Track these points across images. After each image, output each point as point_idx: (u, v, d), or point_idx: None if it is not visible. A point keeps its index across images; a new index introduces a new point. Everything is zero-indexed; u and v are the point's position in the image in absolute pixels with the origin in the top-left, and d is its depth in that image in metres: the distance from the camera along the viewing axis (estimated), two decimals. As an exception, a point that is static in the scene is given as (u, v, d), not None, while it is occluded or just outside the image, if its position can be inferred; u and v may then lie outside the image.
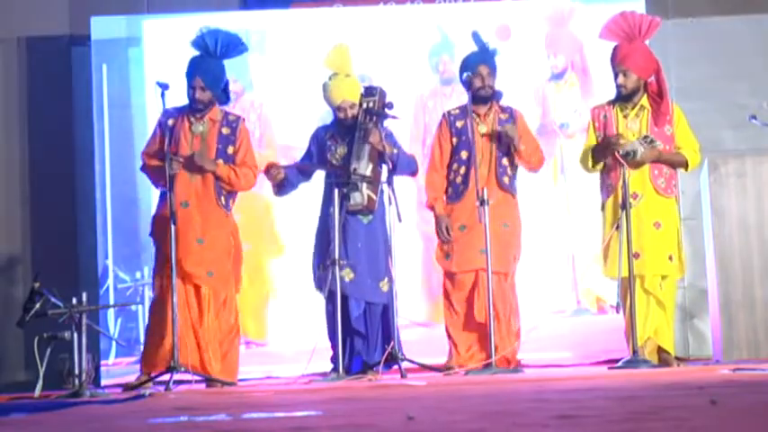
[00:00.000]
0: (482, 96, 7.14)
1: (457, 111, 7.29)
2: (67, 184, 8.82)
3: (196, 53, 7.01)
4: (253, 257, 8.25)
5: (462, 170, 7.16)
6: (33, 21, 9.01)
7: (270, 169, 7.15)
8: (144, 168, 7.09)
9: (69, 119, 8.85)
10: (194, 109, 6.95)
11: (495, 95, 7.19)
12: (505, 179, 7.13)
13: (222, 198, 6.96)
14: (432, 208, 7.24)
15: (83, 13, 8.76)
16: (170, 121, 6.98)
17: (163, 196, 6.97)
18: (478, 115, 7.18)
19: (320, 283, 7.04)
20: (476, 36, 7.23)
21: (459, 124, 7.21)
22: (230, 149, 6.99)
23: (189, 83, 6.95)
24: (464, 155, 7.16)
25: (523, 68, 8.52)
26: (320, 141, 7.20)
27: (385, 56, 8.51)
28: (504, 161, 7.15)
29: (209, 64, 6.97)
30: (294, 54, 8.56)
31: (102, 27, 8.59)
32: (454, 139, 7.21)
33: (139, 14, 8.72)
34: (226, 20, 8.69)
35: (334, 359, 6.98)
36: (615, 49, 7.01)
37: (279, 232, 8.50)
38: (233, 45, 7.08)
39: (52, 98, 8.90)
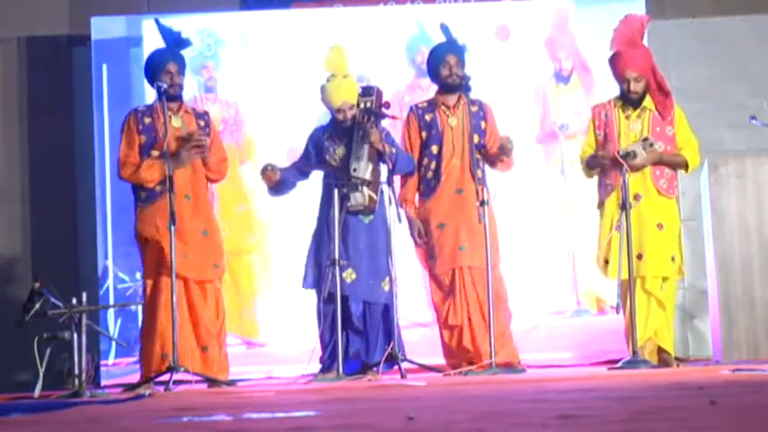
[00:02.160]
0: (449, 85, 7.09)
1: (425, 104, 7.26)
2: (67, 184, 8.82)
3: (153, 49, 7.13)
4: (236, 253, 8.30)
5: (433, 165, 7.13)
6: (33, 21, 9.01)
7: (266, 170, 7.13)
8: (131, 174, 6.89)
9: (69, 119, 8.85)
10: (169, 98, 6.84)
11: (463, 87, 7.09)
12: (478, 172, 7.04)
13: (207, 191, 7.03)
14: (402, 208, 7.21)
15: (83, 13, 8.76)
16: (146, 120, 6.95)
17: (149, 195, 6.89)
18: (448, 107, 7.16)
19: (312, 283, 7.04)
20: (444, 28, 7.21)
21: (427, 117, 7.17)
22: (206, 141, 7.02)
23: (162, 71, 6.87)
24: (434, 149, 7.13)
25: (523, 69, 8.52)
26: (318, 142, 7.18)
27: (385, 56, 8.50)
28: (477, 154, 7.08)
29: (176, 52, 7.02)
30: (294, 54, 8.55)
31: (103, 27, 8.59)
32: (423, 133, 7.17)
33: (140, 14, 8.72)
34: (226, 20, 8.72)
35: (323, 359, 6.98)
36: (619, 56, 6.99)
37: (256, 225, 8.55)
38: (181, 36, 7.11)
39: (52, 98, 8.90)
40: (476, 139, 7.10)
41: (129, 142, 6.95)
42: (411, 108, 7.30)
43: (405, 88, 8.53)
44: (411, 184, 7.18)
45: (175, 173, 6.76)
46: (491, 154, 7.09)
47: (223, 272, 7.08)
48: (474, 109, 7.14)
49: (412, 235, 7.16)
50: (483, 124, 7.15)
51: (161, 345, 6.79)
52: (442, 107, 7.15)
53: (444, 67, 7.12)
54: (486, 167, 7.18)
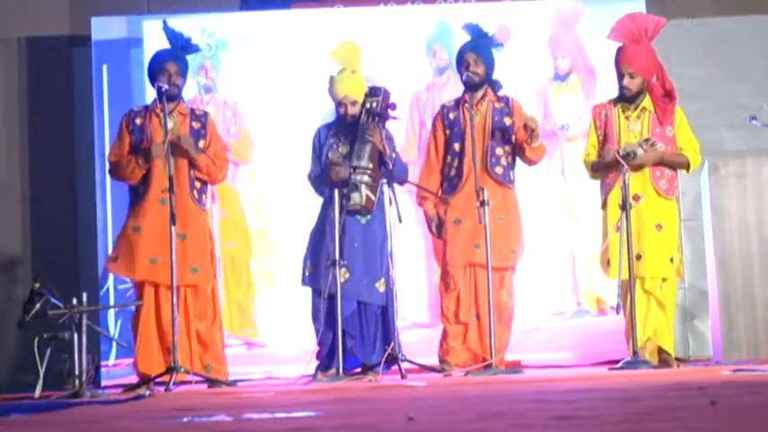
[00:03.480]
0: (467, 84, 7.12)
1: (452, 102, 7.30)
2: (68, 185, 8.82)
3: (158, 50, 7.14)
4: (236, 255, 8.29)
5: (456, 162, 7.14)
6: (34, 21, 9.01)
7: (336, 165, 7.01)
8: (114, 170, 7.01)
9: (70, 119, 8.85)
10: (165, 98, 6.80)
11: (490, 84, 7.14)
12: (498, 169, 7.05)
13: (195, 192, 6.97)
14: (421, 205, 7.23)
15: (83, 14, 8.76)
16: (137, 120, 6.97)
17: (133, 198, 6.95)
18: (472, 105, 7.16)
19: (309, 281, 7.04)
20: (467, 27, 7.26)
21: (451, 116, 7.20)
22: (201, 143, 7.01)
23: (160, 71, 6.90)
24: (457, 146, 7.15)
25: (524, 69, 8.51)
26: (322, 140, 7.20)
27: (385, 56, 8.50)
28: (498, 151, 7.09)
29: (179, 54, 7.03)
30: (294, 55, 8.55)
31: (103, 27, 8.59)
32: (447, 131, 7.20)
33: (140, 15, 8.72)
34: (226, 21, 8.72)
35: (319, 355, 6.98)
36: (620, 50, 7.00)
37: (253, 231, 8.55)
38: (191, 41, 7.16)
39: (53, 99, 8.90)
40: (498, 135, 7.11)
41: (120, 142, 7.02)
42: (439, 109, 7.35)
43: (423, 87, 8.54)
44: (433, 181, 7.18)
45: (153, 176, 6.80)
46: (518, 142, 7.07)
47: (206, 275, 6.97)
48: (499, 106, 7.16)
49: (430, 230, 7.17)
50: (508, 120, 7.15)
51: (141, 348, 6.89)
52: (466, 105, 7.16)
53: (463, 65, 7.15)
54: (518, 163, 7.17)
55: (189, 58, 7.18)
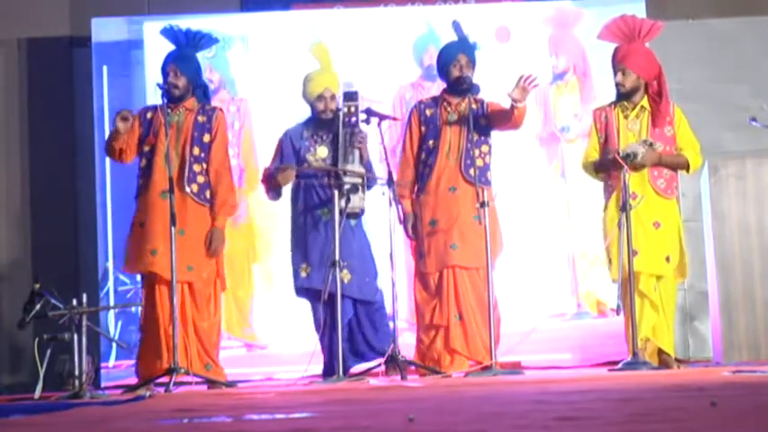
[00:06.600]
0: (460, 84, 7.00)
1: (429, 99, 7.27)
2: (68, 186, 8.82)
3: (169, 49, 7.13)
4: (236, 255, 8.29)
5: (429, 160, 7.11)
6: (34, 22, 9.02)
7: (286, 170, 7.05)
8: (108, 147, 7.06)
9: (70, 121, 8.85)
10: (170, 98, 6.86)
11: (472, 89, 7.06)
12: (471, 171, 6.98)
13: (195, 186, 6.94)
14: (400, 203, 7.20)
15: (84, 15, 8.77)
16: (148, 114, 7.03)
17: (136, 194, 6.98)
18: (450, 104, 7.14)
19: (305, 293, 7.03)
20: (456, 25, 7.18)
21: (428, 112, 7.16)
22: (206, 137, 7.00)
23: (163, 73, 6.98)
24: (431, 143, 7.11)
25: (523, 71, 8.50)
26: (295, 141, 7.14)
27: (385, 57, 8.50)
28: (474, 152, 7.01)
29: (183, 53, 7.04)
30: (294, 56, 8.55)
31: (103, 28, 8.60)
32: (423, 128, 7.16)
33: (140, 16, 8.72)
34: (226, 22, 8.72)
35: (326, 366, 6.97)
36: (616, 49, 7.02)
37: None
38: (201, 36, 7.17)
39: (53, 100, 8.90)
40: (475, 137, 7.06)
41: (131, 130, 6.97)
42: (415, 104, 7.30)
43: (408, 85, 8.52)
44: (410, 177, 7.15)
45: (155, 171, 6.84)
46: (498, 113, 7.00)
47: (201, 273, 6.93)
48: (475, 106, 7.12)
49: (405, 230, 7.15)
50: (483, 121, 7.13)
51: (145, 346, 6.88)
52: (444, 103, 7.13)
53: (455, 66, 7.09)
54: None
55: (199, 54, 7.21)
